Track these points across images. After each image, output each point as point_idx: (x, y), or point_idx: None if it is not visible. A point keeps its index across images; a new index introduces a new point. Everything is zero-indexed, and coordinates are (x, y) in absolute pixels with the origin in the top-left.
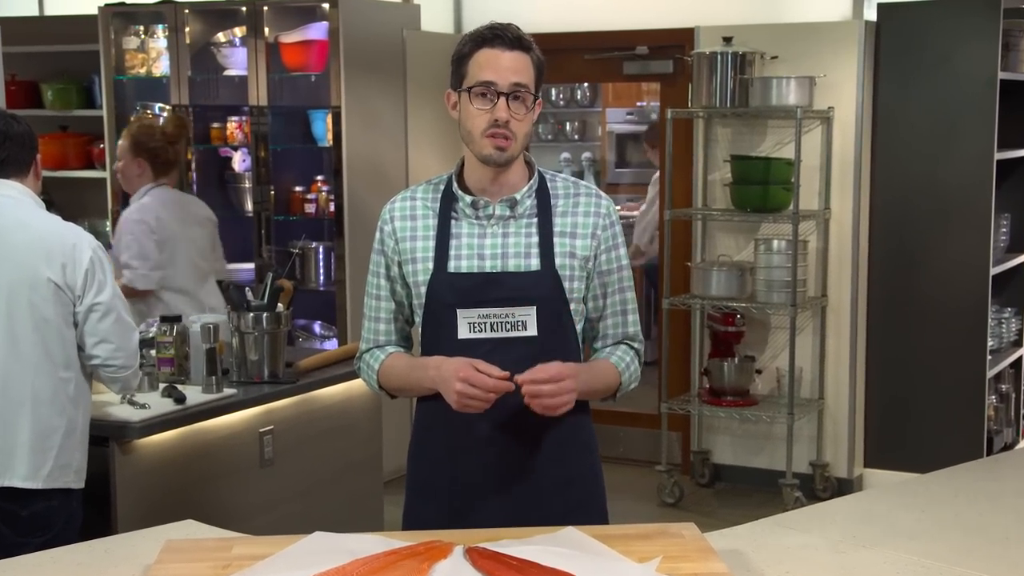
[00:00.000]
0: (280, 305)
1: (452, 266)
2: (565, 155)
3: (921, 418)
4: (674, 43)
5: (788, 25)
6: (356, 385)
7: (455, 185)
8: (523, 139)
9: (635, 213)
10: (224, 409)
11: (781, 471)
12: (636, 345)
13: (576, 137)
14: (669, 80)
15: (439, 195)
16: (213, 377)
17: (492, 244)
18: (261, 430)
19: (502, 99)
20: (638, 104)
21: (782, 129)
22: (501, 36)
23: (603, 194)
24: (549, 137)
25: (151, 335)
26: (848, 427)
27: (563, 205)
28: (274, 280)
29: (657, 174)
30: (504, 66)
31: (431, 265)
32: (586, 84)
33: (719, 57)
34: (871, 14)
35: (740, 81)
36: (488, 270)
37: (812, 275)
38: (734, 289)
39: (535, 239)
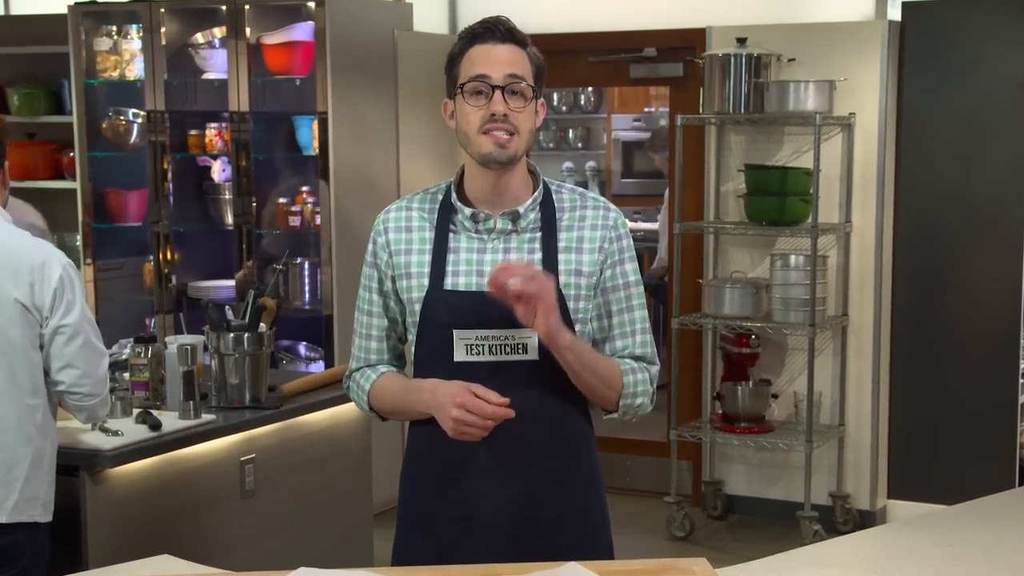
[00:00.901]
0: (262, 325)
1: (449, 283)
2: (568, 164)
3: (948, 446)
4: (684, 44)
5: (806, 25)
6: (344, 411)
7: (454, 196)
8: (527, 136)
9: (650, 226)
10: (202, 436)
11: (799, 503)
12: (647, 365)
13: (579, 145)
14: (679, 84)
15: (436, 206)
16: (191, 402)
17: (492, 260)
18: (242, 458)
19: (497, 92)
20: (646, 110)
21: (800, 137)
22: (492, 30)
23: (612, 206)
24: (551, 145)
25: (124, 357)
26: (871, 456)
27: (569, 218)
28: (256, 298)
29: None
30: (497, 59)
31: (426, 281)
32: (590, 88)
33: (732, 59)
34: (895, 13)
35: (755, 85)
36: (488, 288)
37: (832, 293)
38: (748, 308)
39: (538, 255)
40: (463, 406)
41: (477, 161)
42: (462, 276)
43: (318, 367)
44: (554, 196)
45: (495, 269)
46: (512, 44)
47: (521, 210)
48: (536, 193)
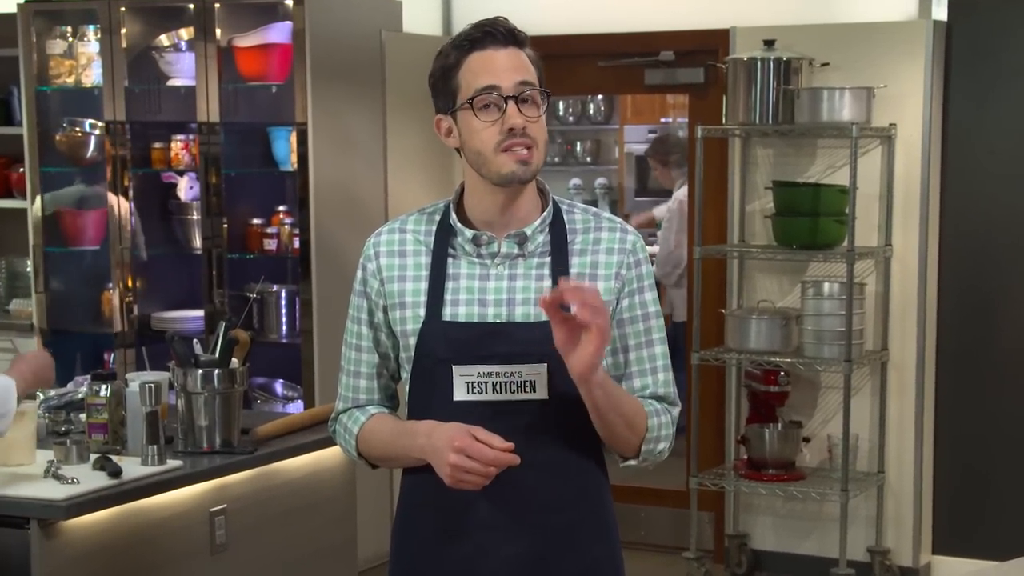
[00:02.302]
0: (235, 360)
1: (448, 313)
2: (575, 181)
3: (999, 496)
4: (705, 47)
5: (841, 26)
6: (326, 456)
7: (453, 216)
8: (543, 148)
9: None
10: (168, 484)
11: (833, 559)
12: (669, 406)
13: (588, 160)
14: (699, 91)
15: (434, 228)
16: (154, 446)
17: (496, 288)
18: (212, 510)
19: (511, 103)
20: (662, 120)
21: (834, 150)
22: (492, 33)
23: (630, 227)
24: (556, 160)
25: (80, 396)
26: (913, 506)
27: (582, 241)
28: (227, 330)
29: (681, 189)
30: (503, 66)
31: (422, 312)
32: (600, 97)
33: (759, 64)
34: (941, 12)
35: (784, 93)
36: (491, 319)
37: (870, 325)
38: (777, 341)
39: (548, 283)
40: (462, 451)
41: (495, 182)
42: (462, 306)
43: (297, 407)
44: (565, 216)
45: (564, 286)
46: (514, 47)
47: (528, 232)
48: (545, 213)
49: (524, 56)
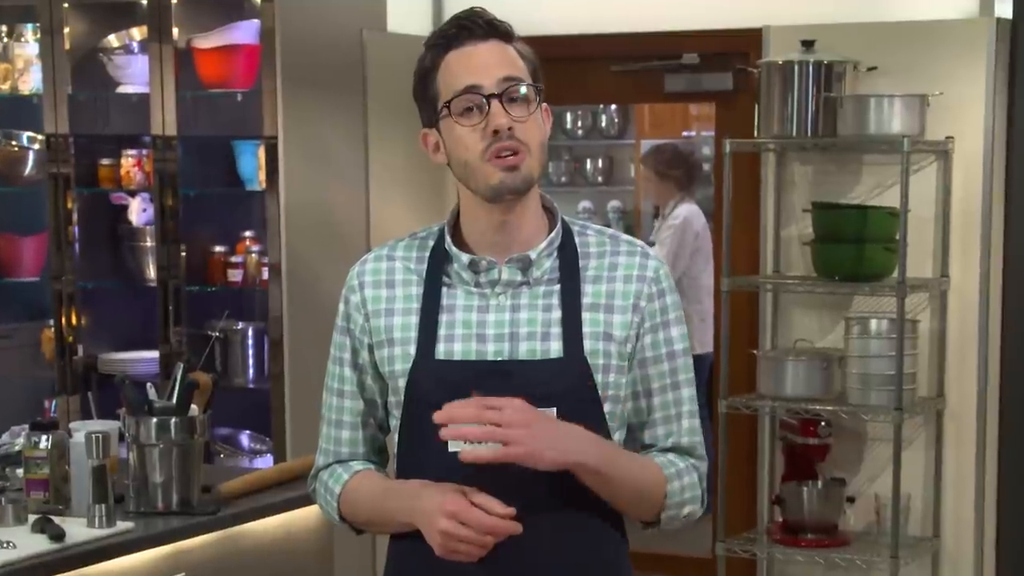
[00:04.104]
0: (194, 407)
1: (442, 351)
2: (585, 204)
3: None
4: (735, 49)
5: (891, 24)
6: (299, 517)
7: (448, 240)
8: (539, 152)
9: None
10: (118, 550)
11: None
12: (693, 460)
13: (600, 180)
14: (727, 100)
15: (426, 254)
16: (102, 506)
17: (497, 321)
18: None
19: (495, 102)
20: (684, 134)
21: (883, 167)
22: (469, 27)
23: (651, 251)
24: (563, 180)
25: (17, 449)
26: (973, 575)
27: (596, 267)
28: (186, 373)
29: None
30: (483, 61)
31: (413, 349)
32: (613, 107)
33: (796, 68)
34: (1005, 9)
35: (825, 101)
36: (491, 357)
37: (924, 368)
38: (817, 387)
39: (556, 314)
40: (455, 516)
41: (486, 197)
42: (458, 342)
43: (265, 462)
44: (577, 238)
45: (440, 417)
46: (496, 40)
47: (533, 256)
48: (552, 234)
49: (510, 50)
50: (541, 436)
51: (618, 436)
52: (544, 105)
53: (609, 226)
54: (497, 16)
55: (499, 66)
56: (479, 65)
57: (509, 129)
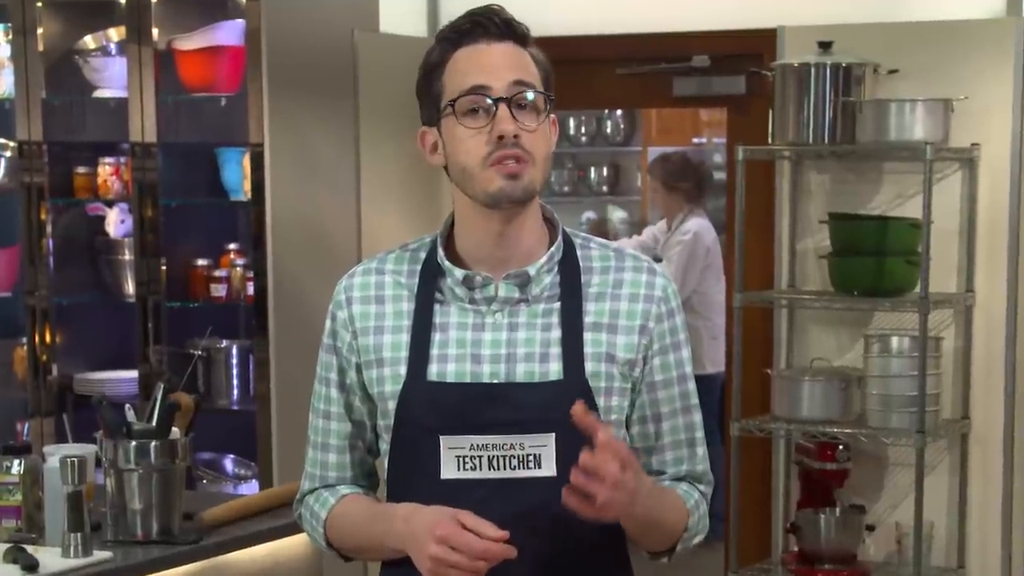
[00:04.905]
0: (175, 430)
1: (434, 372)
2: (588, 215)
3: None
4: (748, 51)
5: (913, 25)
6: (286, 546)
7: (441, 254)
8: (543, 164)
9: None
10: None
11: None
12: (702, 487)
13: (604, 189)
14: (740, 105)
15: (418, 268)
16: (78, 534)
17: (493, 341)
18: None
19: (502, 107)
20: (694, 140)
21: (905, 176)
22: (484, 24)
23: (658, 267)
24: (566, 189)
25: None
26: None
27: (599, 284)
28: (166, 394)
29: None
30: (495, 62)
31: (403, 370)
32: (619, 112)
33: (813, 71)
34: None
35: (843, 106)
36: (486, 379)
37: (948, 388)
38: (835, 409)
39: (556, 334)
40: (445, 541)
41: (483, 203)
42: (451, 362)
43: (251, 488)
44: (579, 252)
45: (588, 456)
46: (511, 42)
47: (532, 271)
48: (553, 248)
49: (525, 54)
50: (628, 504)
51: None
52: (552, 116)
53: (615, 237)
54: (506, 11)
55: (511, 69)
56: (490, 65)
57: (515, 137)
